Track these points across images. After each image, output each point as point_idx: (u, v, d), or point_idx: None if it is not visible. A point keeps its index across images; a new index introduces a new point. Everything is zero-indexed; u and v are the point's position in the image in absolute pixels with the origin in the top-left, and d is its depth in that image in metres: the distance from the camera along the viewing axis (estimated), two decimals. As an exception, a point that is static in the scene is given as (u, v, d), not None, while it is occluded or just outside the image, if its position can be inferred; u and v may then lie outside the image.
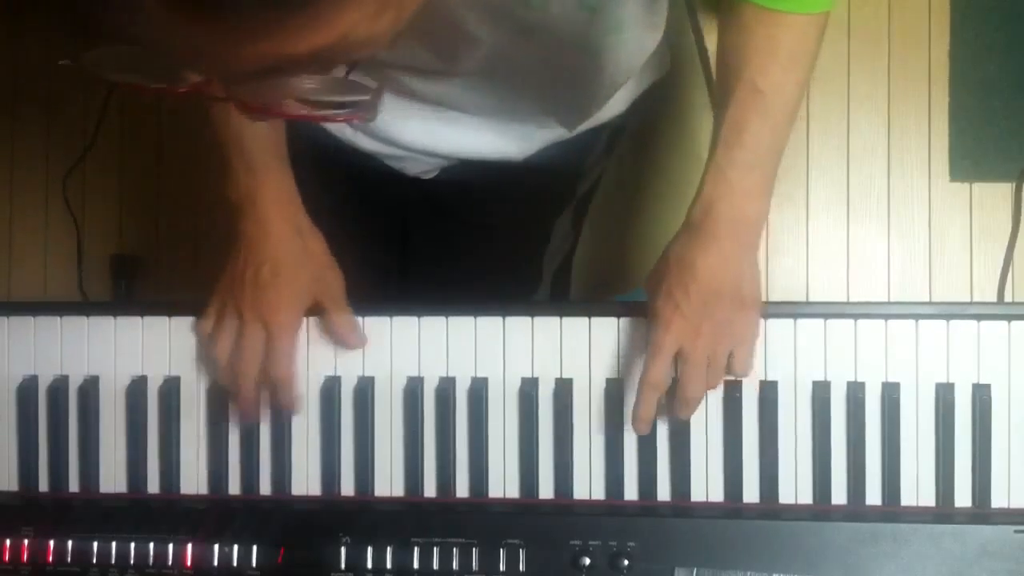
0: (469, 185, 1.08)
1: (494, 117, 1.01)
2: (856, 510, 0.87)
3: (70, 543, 0.87)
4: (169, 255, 2.00)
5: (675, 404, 0.86)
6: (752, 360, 0.87)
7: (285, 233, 0.90)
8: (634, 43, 0.91)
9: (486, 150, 1.04)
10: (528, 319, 0.90)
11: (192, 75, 0.52)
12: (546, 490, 0.89)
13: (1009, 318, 0.87)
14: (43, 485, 0.93)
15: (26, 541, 0.88)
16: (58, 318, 0.94)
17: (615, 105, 1.07)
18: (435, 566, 0.84)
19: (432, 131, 1.01)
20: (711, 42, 1.36)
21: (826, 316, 0.88)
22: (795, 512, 0.86)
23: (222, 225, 0.93)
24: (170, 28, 0.45)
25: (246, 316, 0.89)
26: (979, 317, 0.87)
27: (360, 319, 0.91)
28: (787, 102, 0.85)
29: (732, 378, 0.88)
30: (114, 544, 0.87)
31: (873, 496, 0.87)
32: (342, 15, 0.46)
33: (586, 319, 0.90)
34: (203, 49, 0.46)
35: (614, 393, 0.89)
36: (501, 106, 0.99)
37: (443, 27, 0.83)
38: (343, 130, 1.03)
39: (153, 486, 0.92)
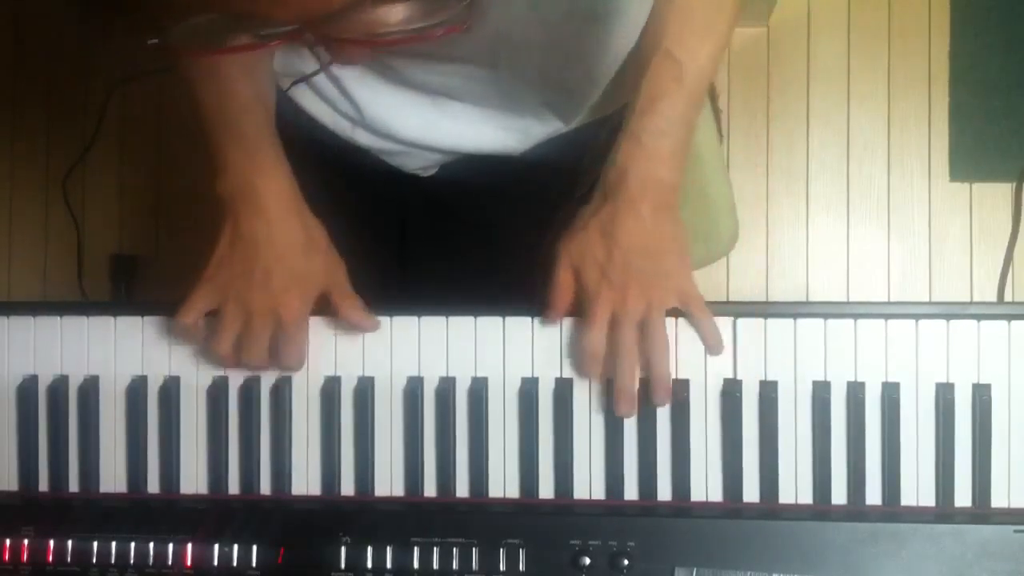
0: (469, 183, 1.08)
1: (492, 109, 1.01)
2: (856, 510, 0.87)
3: (70, 543, 0.87)
4: (169, 255, 2.01)
5: (615, 391, 0.86)
6: (705, 312, 0.87)
7: (289, 223, 0.90)
8: (636, 24, 0.92)
9: (485, 143, 1.03)
10: (528, 319, 0.90)
11: (279, 28, 0.52)
12: (546, 490, 0.89)
13: (1009, 318, 0.87)
14: (43, 485, 0.93)
15: (26, 541, 0.88)
16: (58, 318, 0.94)
17: (612, 101, 1.07)
18: (435, 566, 0.84)
19: (431, 124, 1.01)
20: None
21: (826, 316, 0.88)
22: (795, 512, 0.86)
23: (211, 219, 0.92)
24: None
25: (255, 309, 0.88)
26: (979, 317, 0.87)
27: (360, 318, 0.91)
28: (701, 71, 0.87)
29: (713, 353, 0.87)
30: (114, 544, 0.87)
31: (873, 496, 0.87)
32: None
33: (586, 319, 0.90)
34: None
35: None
36: (500, 95, 0.98)
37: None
38: (342, 127, 1.03)
39: (153, 486, 0.92)
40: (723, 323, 0.89)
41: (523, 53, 0.92)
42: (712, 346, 0.88)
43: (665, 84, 0.86)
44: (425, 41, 0.57)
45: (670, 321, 0.89)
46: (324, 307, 0.92)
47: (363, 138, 1.03)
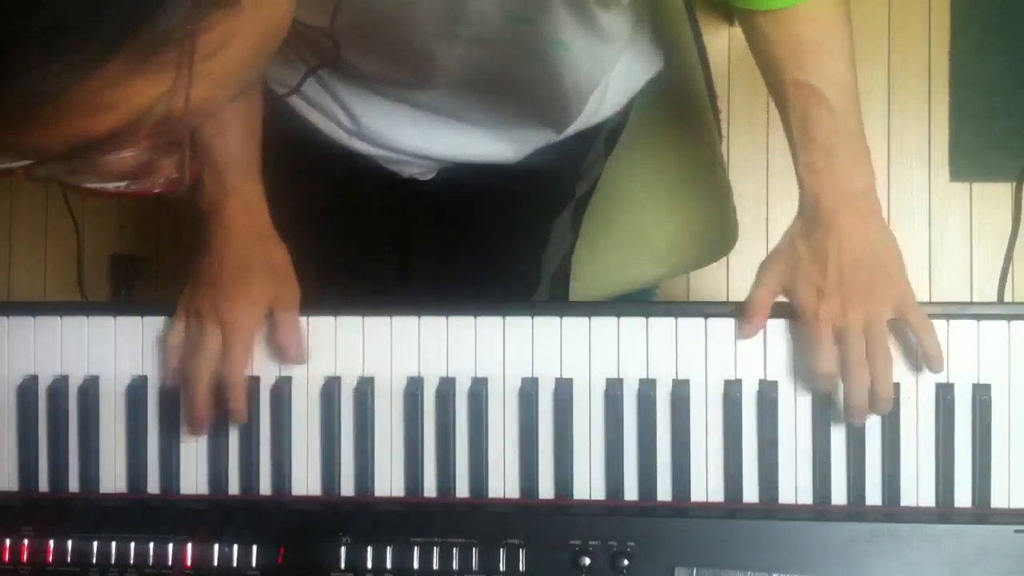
0: (467, 186, 1.08)
1: (484, 122, 1.01)
2: (856, 510, 0.87)
3: (70, 543, 0.87)
4: (169, 255, 2.00)
5: (846, 406, 0.85)
6: (924, 316, 0.85)
7: (248, 241, 0.92)
8: (585, 56, 0.92)
9: (480, 153, 1.04)
10: (528, 319, 0.90)
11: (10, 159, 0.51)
12: (546, 490, 0.89)
13: (1009, 318, 0.87)
14: (43, 485, 0.93)
15: (26, 541, 0.88)
16: (58, 318, 0.94)
17: (609, 104, 1.07)
18: (435, 566, 0.84)
19: (425, 135, 1.01)
20: (711, 42, 1.36)
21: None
22: (795, 512, 0.86)
23: (192, 232, 0.94)
24: None
25: (204, 319, 0.89)
26: (979, 317, 0.87)
27: (360, 319, 0.91)
28: (836, 81, 0.86)
29: (932, 365, 0.86)
30: (114, 544, 0.87)
31: (873, 496, 0.87)
32: (131, 96, 0.45)
33: (586, 319, 0.90)
34: (5, 141, 0.45)
35: (614, 393, 0.89)
36: (488, 111, 0.99)
37: (397, 48, 0.83)
38: (339, 136, 1.03)
39: (153, 486, 0.92)
40: (723, 323, 0.89)
41: (495, 78, 0.93)
42: (931, 358, 0.85)
43: (808, 110, 0.86)
44: (142, 195, 0.56)
45: (669, 321, 0.89)
46: (323, 308, 0.92)
47: (360, 147, 1.04)
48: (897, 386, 0.87)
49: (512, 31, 0.83)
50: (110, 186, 0.54)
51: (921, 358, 0.86)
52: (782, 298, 0.89)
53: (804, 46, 0.86)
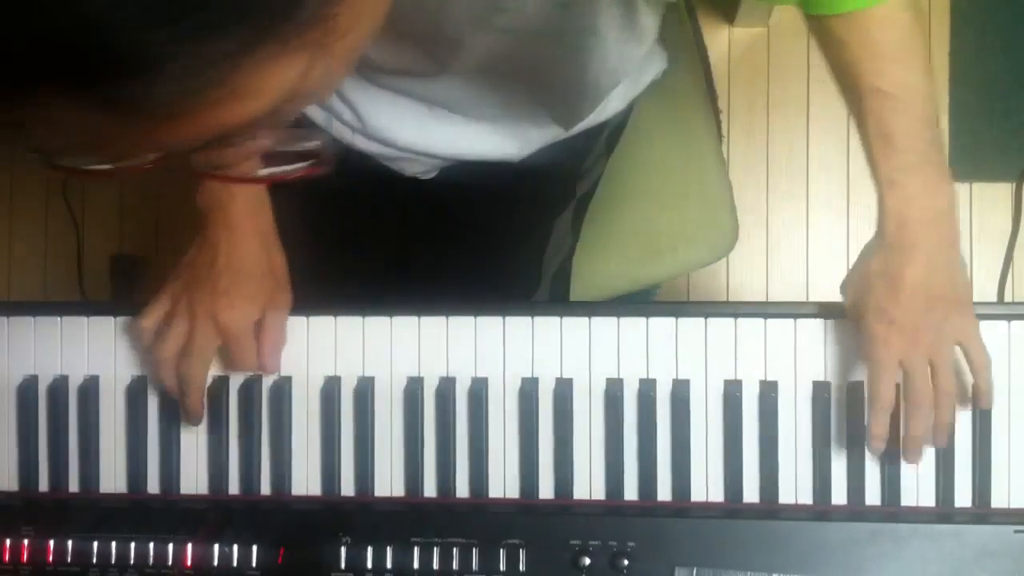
0: (468, 185, 1.08)
1: (491, 117, 1.01)
2: (856, 510, 0.87)
3: (70, 543, 0.87)
4: (169, 255, 2.00)
5: (905, 425, 0.84)
6: (985, 353, 0.84)
7: (252, 245, 0.91)
8: (615, 51, 0.92)
9: (484, 151, 1.04)
10: (528, 319, 0.90)
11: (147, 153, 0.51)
12: (546, 490, 0.89)
13: (1009, 318, 0.87)
14: (43, 485, 0.93)
15: (26, 541, 0.88)
16: (58, 318, 0.94)
17: (612, 104, 1.07)
18: (435, 566, 0.84)
19: (430, 132, 1.01)
20: (711, 42, 1.36)
21: (826, 316, 0.88)
22: (795, 512, 0.86)
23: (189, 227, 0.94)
24: (103, 130, 0.43)
25: (199, 318, 0.89)
26: (979, 317, 0.87)
27: (360, 319, 0.91)
28: (917, 90, 0.83)
29: (981, 394, 0.85)
30: (114, 544, 0.87)
31: (873, 496, 0.87)
32: (273, 81, 0.45)
33: (586, 319, 0.90)
34: (141, 138, 0.45)
35: (614, 393, 0.89)
36: (497, 105, 0.99)
37: (425, 34, 0.83)
38: (342, 132, 1.03)
39: (153, 486, 0.92)
40: (723, 323, 0.89)
41: (512, 70, 0.92)
42: (981, 393, 0.85)
43: (888, 120, 0.83)
44: (287, 179, 0.56)
45: (669, 321, 0.89)
46: (323, 308, 0.92)
47: (362, 144, 1.04)
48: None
49: (550, 18, 0.82)
50: (242, 173, 0.54)
51: (973, 392, 0.85)
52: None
53: (883, 52, 0.83)
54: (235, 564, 0.86)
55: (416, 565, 0.84)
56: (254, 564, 0.86)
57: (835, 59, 0.85)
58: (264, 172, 0.54)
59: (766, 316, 0.88)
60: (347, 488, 0.91)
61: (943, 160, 0.85)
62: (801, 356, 0.88)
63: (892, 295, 0.83)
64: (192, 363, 0.89)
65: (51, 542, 0.87)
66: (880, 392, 0.83)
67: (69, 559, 0.87)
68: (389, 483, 0.90)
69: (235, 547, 0.86)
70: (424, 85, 0.96)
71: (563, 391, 0.89)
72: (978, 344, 0.84)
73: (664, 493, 0.88)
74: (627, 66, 0.99)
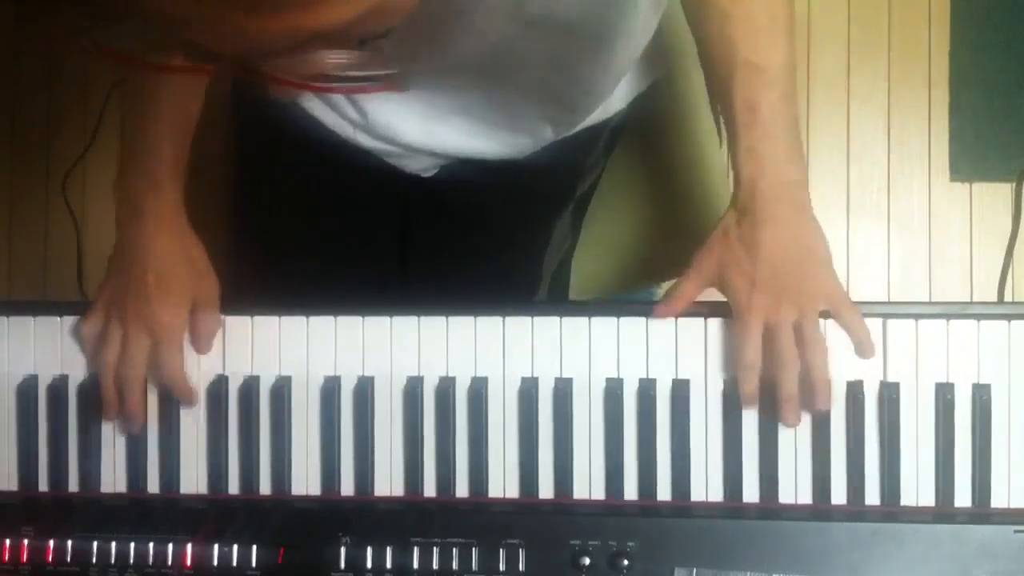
0: (469, 184, 1.08)
1: (493, 121, 1.01)
2: (856, 510, 0.86)
3: (70, 543, 0.87)
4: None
5: (777, 401, 0.86)
6: (856, 311, 0.86)
7: (167, 243, 0.92)
8: (642, 25, 0.92)
9: (486, 149, 1.04)
10: (528, 319, 0.90)
11: (215, 52, 0.51)
12: (546, 490, 0.89)
13: (1009, 318, 0.87)
14: (43, 485, 0.93)
15: (26, 541, 0.88)
16: (58, 318, 0.94)
17: (614, 103, 1.07)
18: (435, 566, 0.84)
19: (432, 130, 1.01)
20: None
21: (826, 316, 0.88)
22: (795, 512, 0.86)
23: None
24: (201, 7, 0.44)
25: (131, 324, 0.90)
26: (979, 317, 0.87)
27: (360, 319, 0.91)
28: (784, 65, 0.88)
29: (864, 355, 0.87)
30: (114, 544, 0.87)
31: (873, 496, 0.87)
32: None
33: (586, 319, 0.90)
34: (234, 26, 0.45)
35: (614, 393, 0.89)
36: (500, 108, 0.99)
37: (448, 20, 0.82)
38: (344, 129, 1.03)
39: (153, 486, 0.92)
40: (723, 324, 0.88)
41: (522, 70, 0.92)
42: (862, 349, 0.87)
43: (756, 92, 0.87)
44: (359, 93, 0.56)
45: (669, 321, 0.89)
46: (323, 308, 0.92)
47: (364, 141, 1.03)
48: (896, 386, 0.87)
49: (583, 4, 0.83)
50: (319, 84, 0.54)
51: (855, 348, 0.87)
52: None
53: (759, 26, 0.87)
54: (235, 564, 0.86)
55: (416, 565, 0.84)
56: (254, 564, 0.86)
57: (714, 32, 0.89)
58: (340, 84, 0.54)
59: (766, 316, 0.88)
60: (347, 488, 0.91)
61: (798, 135, 0.89)
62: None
63: (751, 258, 0.86)
64: (128, 368, 0.90)
65: (51, 542, 0.87)
66: (744, 351, 0.85)
67: (69, 559, 0.87)
68: (389, 483, 0.90)
69: (235, 547, 0.86)
70: (427, 83, 0.95)
71: (563, 391, 0.89)
72: (845, 301, 0.87)
73: (664, 493, 0.88)
74: (644, 43, 0.99)
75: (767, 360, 0.86)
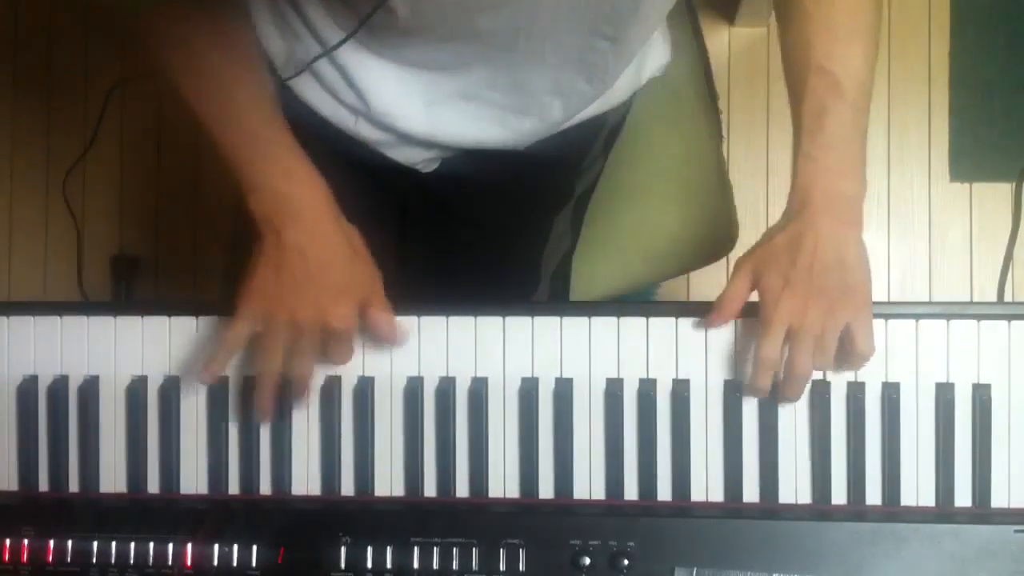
0: (470, 180, 1.08)
1: (498, 99, 0.99)
2: (856, 510, 0.87)
3: (70, 543, 0.87)
4: (169, 255, 2.00)
5: (783, 383, 0.86)
6: (872, 337, 0.86)
7: (331, 236, 0.90)
8: None
9: (487, 137, 1.03)
10: (528, 319, 0.90)
11: None
12: (546, 490, 0.89)
13: (1009, 318, 0.87)
14: (43, 485, 0.93)
15: (26, 541, 0.88)
16: (58, 318, 0.94)
17: (617, 93, 1.06)
18: (435, 566, 0.84)
19: (434, 115, 1.00)
20: (711, 42, 1.36)
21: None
22: (795, 512, 0.86)
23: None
24: None
25: (304, 322, 0.87)
26: (979, 317, 0.87)
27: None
28: (858, 77, 0.87)
29: (852, 369, 0.88)
30: (114, 544, 0.87)
31: (873, 496, 0.87)
32: None
33: (586, 319, 0.90)
34: None
35: (614, 393, 0.89)
36: (510, 80, 0.97)
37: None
38: (344, 118, 1.02)
39: (153, 486, 0.92)
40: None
41: (547, 27, 0.90)
42: (855, 363, 0.87)
43: (825, 99, 0.87)
44: None
45: (669, 321, 0.89)
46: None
47: (365, 130, 1.02)
48: (896, 385, 0.87)
49: None
50: None
51: (851, 359, 0.86)
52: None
53: (837, 33, 0.87)
54: (235, 564, 0.86)
55: (416, 565, 0.84)
56: (254, 564, 0.86)
57: (794, 33, 0.89)
58: None
59: (766, 316, 0.88)
60: (347, 488, 0.91)
61: (863, 151, 0.89)
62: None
63: (790, 258, 0.86)
64: (299, 369, 0.88)
65: (51, 542, 0.87)
66: (766, 350, 0.85)
67: (69, 559, 0.87)
68: (389, 483, 0.90)
69: (235, 547, 0.86)
70: (441, 50, 0.93)
71: (563, 391, 0.89)
72: (867, 330, 0.86)
73: (664, 493, 0.88)
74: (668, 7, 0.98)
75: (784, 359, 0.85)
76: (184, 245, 1.98)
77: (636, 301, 1.34)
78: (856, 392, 0.87)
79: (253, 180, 0.89)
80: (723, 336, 0.88)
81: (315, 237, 0.89)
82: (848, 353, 0.86)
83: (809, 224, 0.86)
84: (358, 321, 0.89)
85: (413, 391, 0.90)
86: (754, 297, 0.88)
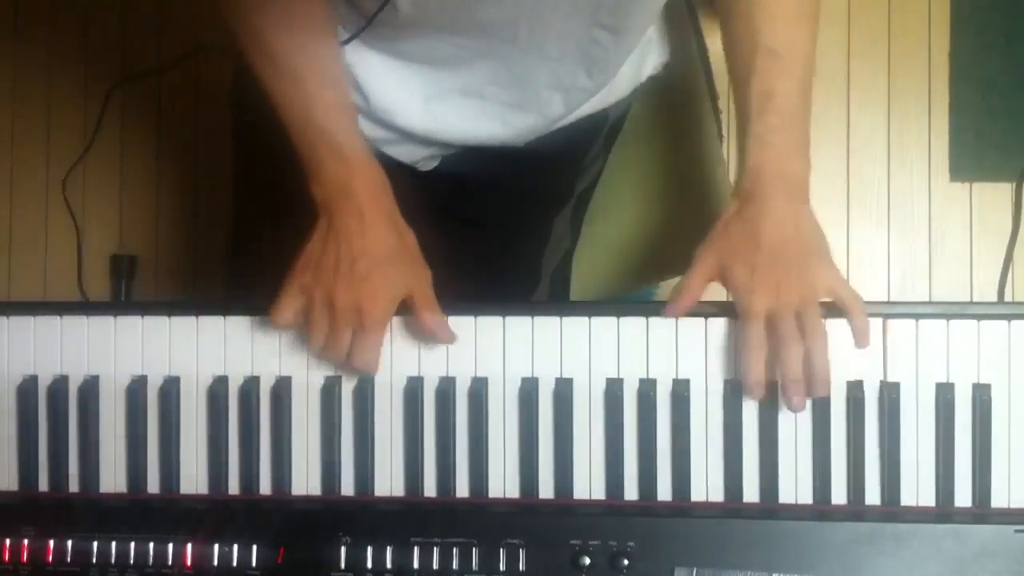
0: (468, 180, 1.08)
1: (498, 94, 0.99)
2: (856, 510, 0.87)
3: (70, 543, 0.87)
4: (169, 255, 2.01)
5: (782, 383, 0.86)
6: (848, 285, 0.86)
7: (382, 227, 0.91)
8: None
9: (487, 133, 1.03)
10: (528, 319, 0.90)
11: None
12: (546, 490, 0.89)
13: (1009, 318, 0.87)
14: (43, 485, 0.93)
15: (26, 541, 0.88)
16: (58, 318, 0.94)
17: (618, 88, 1.06)
18: (435, 566, 0.84)
19: (434, 112, 1.00)
20: (711, 42, 1.36)
21: (826, 316, 0.88)
22: (795, 512, 0.86)
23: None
24: None
25: (339, 304, 0.88)
26: (979, 317, 0.87)
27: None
28: (803, 57, 0.89)
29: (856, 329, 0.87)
30: (114, 544, 0.87)
31: (873, 496, 0.87)
32: None
33: (586, 319, 0.90)
34: None
35: (614, 393, 0.89)
36: (510, 75, 0.97)
37: None
38: None
39: (153, 486, 0.92)
40: (723, 324, 0.89)
41: (548, 17, 0.90)
42: (859, 338, 0.87)
43: (773, 80, 0.88)
44: None
45: (669, 321, 0.89)
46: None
47: (365, 128, 1.02)
48: (896, 385, 0.87)
49: None
50: None
51: (852, 332, 0.87)
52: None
53: (784, 15, 0.88)
54: (235, 564, 0.86)
55: (416, 565, 0.84)
56: (254, 564, 0.86)
57: (739, 17, 0.90)
58: None
59: (766, 316, 0.88)
60: (347, 488, 0.91)
61: (807, 128, 0.90)
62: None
63: (752, 244, 0.87)
64: (335, 353, 0.89)
65: (51, 542, 0.87)
66: (750, 339, 0.85)
67: (69, 559, 0.87)
68: (389, 483, 0.90)
69: (235, 547, 0.86)
70: (441, 43, 0.93)
71: (563, 391, 0.89)
72: (845, 286, 0.87)
73: (664, 493, 0.88)
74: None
75: (770, 347, 0.86)
76: (184, 245, 1.98)
77: (636, 301, 1.34)
78: (856, 392, 0.87)
79: (315, 166, 0.92)
80: (723, 336, 0.88)
81: (365, 225, 0.90)
82: (849, 323, 0.86)
83: (763, 207, 0.87)
84: (390, 316, 0.89)
85: (413, 391, 0.90)
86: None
